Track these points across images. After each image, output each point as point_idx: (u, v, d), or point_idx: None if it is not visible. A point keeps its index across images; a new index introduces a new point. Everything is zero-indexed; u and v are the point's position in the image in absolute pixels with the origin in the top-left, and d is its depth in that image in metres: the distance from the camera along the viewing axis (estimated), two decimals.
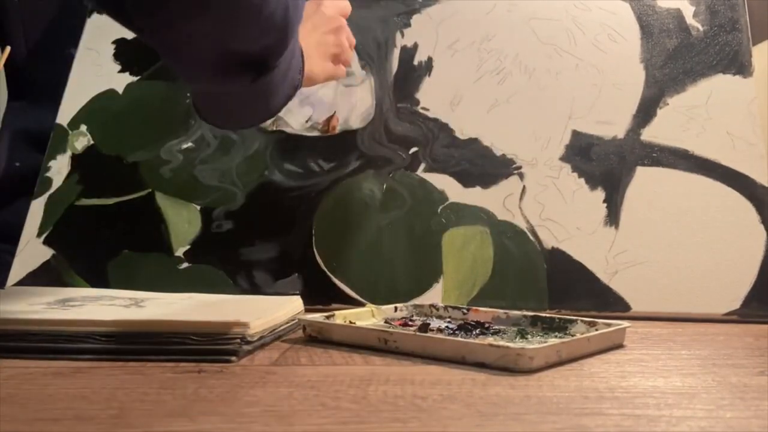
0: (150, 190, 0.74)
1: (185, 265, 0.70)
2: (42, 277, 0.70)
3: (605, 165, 0.70)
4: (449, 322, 0.54)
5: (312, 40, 0.60)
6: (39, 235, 0.72)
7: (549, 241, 0.68)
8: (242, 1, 0.40)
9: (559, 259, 0.67)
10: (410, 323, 0.53)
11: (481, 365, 0.40)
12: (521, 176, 0.71)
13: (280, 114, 0.75)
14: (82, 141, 0.77)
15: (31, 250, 0.71)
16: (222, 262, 0.70)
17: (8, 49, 0.69)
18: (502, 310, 0.55)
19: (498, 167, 0.71)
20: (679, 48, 0.74)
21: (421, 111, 0.74)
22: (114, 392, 0.34)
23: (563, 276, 0.66)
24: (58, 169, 0.75)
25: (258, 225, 0.71)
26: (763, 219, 0.67)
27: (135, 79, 0.79)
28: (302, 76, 0.55)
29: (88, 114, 0.78)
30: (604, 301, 0.65)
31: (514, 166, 0.71)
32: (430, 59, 0.76)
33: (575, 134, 0.72)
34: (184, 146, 0.75)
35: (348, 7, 0.67)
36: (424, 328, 0.50)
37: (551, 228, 0.68)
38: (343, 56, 0.65)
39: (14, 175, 0.79)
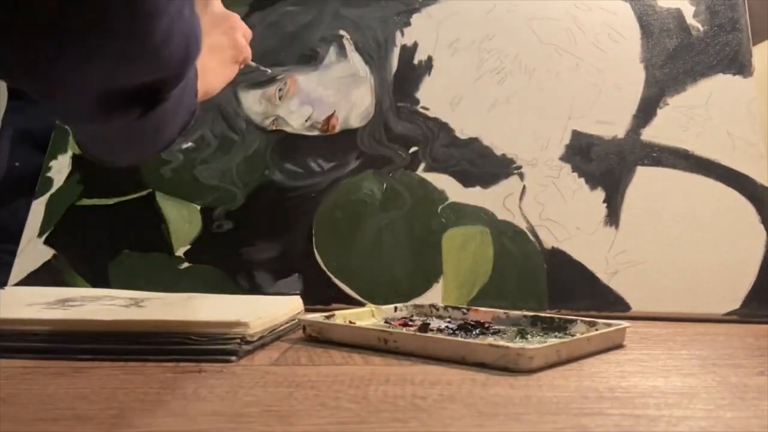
0: (150, 190, 0.74)
1: (186, 265, 0.70)
2: (43, 276, 0.70)
3: (605, 165, 0.70)
4: (449, 322, 0.54)
5: (204, 47, 0.50)
6: (40, 235, 0.72)
7: (549, 241, 0.68)
8: (137, 42, 0.33)
9: (559, 259, 0.67)
10: (410, 323, 0.53)
11: (481, 365, 0.40)
12: (521, 176, 0.71)
13: (280, 114, 0.75)
14: None
15: (32, 250, 0.72)
16: (222, 262, 0.70)
17: None
18: (502, 310, 0.55)
19: (498, 167, 0.71)
20: (679, 48, 0.74)
21: (421, 110, 0.74)
22: (114, 392, 0.34)
23: (563, 276, 0.66)
24: (59, 169, 0.76)
25: (258, 225, 0.71)
26: (763, 219, 0.67)
27: None
28: (197, 99, 0.47)
29: None
30: (604, 301, 0.65)
31: (514, 165, 0.71)
32: (430, 58, 0.76)
33: (575, 134, 0.72)
34: (185, 146, 0.75)
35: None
36: (424, 328, 0.50)
37: (551, 228, 0.68)
38: (240, 56, 0.58)
39: (15, 175, 0.79)
